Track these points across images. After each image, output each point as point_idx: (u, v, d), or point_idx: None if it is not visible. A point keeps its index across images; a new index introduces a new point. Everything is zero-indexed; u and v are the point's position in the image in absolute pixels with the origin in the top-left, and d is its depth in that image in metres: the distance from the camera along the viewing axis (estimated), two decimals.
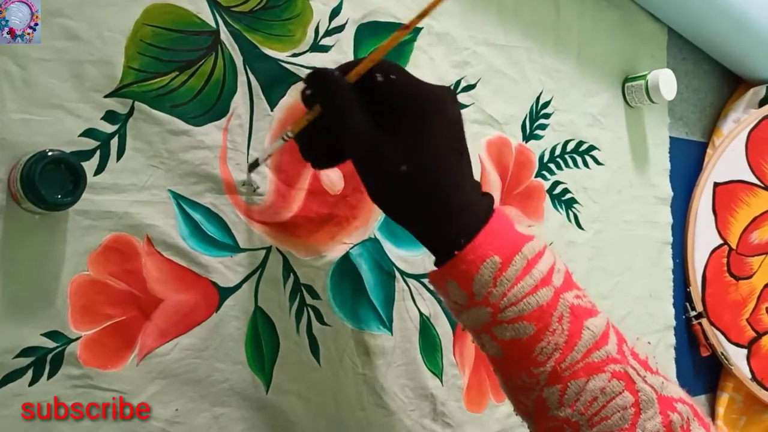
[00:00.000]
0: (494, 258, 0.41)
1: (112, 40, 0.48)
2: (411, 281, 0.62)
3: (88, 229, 0.47)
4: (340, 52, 0.58)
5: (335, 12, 0.58)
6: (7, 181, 0.44)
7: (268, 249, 0.55)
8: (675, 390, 0.43)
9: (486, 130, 0.67)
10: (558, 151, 0.73)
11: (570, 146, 0.74)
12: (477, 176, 0.61)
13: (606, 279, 0.77)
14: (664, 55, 0.86)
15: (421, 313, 0.62)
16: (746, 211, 0.91)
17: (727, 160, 0.89)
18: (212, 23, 0.52)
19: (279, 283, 0.55)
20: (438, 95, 0.44)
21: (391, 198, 0.44)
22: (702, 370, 0.90)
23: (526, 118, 0.71)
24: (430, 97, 0.43)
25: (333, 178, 0.58)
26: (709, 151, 0.91)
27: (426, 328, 0.62)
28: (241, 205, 0.53)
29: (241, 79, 0.54)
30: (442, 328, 0.64)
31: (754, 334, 0.91)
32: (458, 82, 0.66)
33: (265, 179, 0.55)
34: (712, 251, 0.88)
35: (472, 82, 0.67)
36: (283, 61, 0.56)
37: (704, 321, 0.87)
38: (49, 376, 0.45)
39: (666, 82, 0.79)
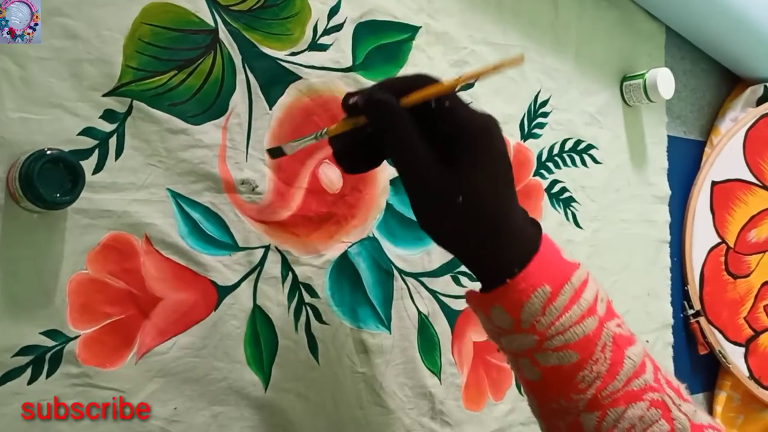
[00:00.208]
0: (545, 287, 0.42)
1: (110, 39, 0.48)
2: (409, 280, 0.62)
3: (87, 228, 0.47)
4: (339, 51, 0.58)
5: (334, 11, 0.58)
6: (5, 179, 0.44)
7: (267, 248, 0.55)
8: (704, 417, 0.44)
9: None
10: (556, 150, 0.73)
11: (568, 145, 0.74)
12: None
13: (604, 277, 0.77)
14: (662, 54, 0.86)
15: (419, 312, 0.62)
16: (744, 210, 0.91)
17: (725, 159, 0.89)
18: (211, 22, 0.52)
19: (278, 282, 0.55)
20: (487, 124, 0.44)
21: (444, 228, 0.44)
22: (700, 369, 0.90)
23: (524, 117, 0.71)
24: (481, 127, 0.43)
25: (332, 177, 0.58)
26: (707, 149, 0.91)
27: (424, 326, 0.63)
28: (239, 204, 0.53)
29: (240, 77, 0.54)
30: (441, 326, 0.64)
31: (751, 333, 0.91)
32: None
33: (264, 178, 0.55)
34: (710, 250, 0.88)
35: (471, 81, 0.67)
36: (281, 60, 0.56)
37: (702, 319, 0.87)
38: (48, 375, 0.45)
39: (664, 81, 0.79)
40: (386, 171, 0.61)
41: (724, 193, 0.89)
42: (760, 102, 0.92)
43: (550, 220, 0.72)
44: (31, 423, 0.44)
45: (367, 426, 0.58)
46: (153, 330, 0.49)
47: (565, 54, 0.75)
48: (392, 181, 0.61)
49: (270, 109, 0.55)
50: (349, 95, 0.45)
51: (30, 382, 0.45)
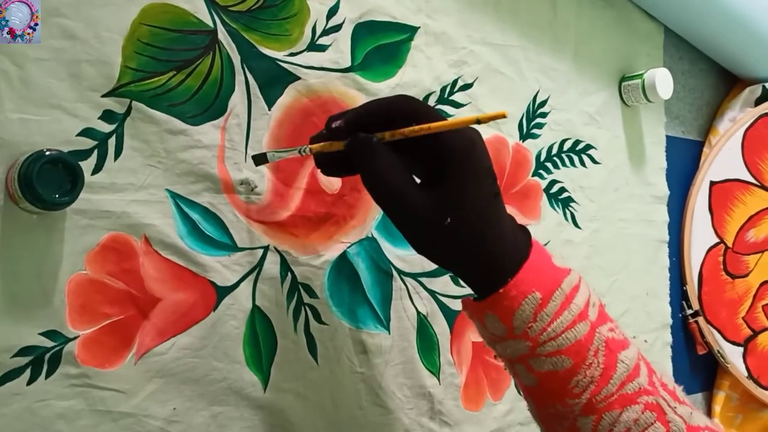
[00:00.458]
0: (535, 294, 0.42)
1: (109, 39, 0.48)
2: (408, 280, 0.62)
3: (86, 229, 0.47)
4: (337, 51, 0.58)
5: (332, 11, 0.58)
6: (4, 180, 0.44)
7: (266, 248, 0.55)
8: (701, 419, 0.44)
9: (483, 129, 0.66)
10: (555, 150, 0.73)
11: (567, 145, 0.75)
12: None
13: (603, 277, 0.77)
14: (660, 54, 0.86)
15: (418, 312, 0.62)
16: (742, 210, 0.91)
17: (724, 159, 0.89)
18: (209, 23, 0.52)
19: (277, 282, 0.55)
20: (470, 140, 0.44)
21: (434, 249, 0.45)
22: (698, 368, 0.91)
23: (523, 117, 0.71)
24: (462, 142, 0.43)
25: (331, 177, 0.58)
26: (705, 149, 0.92)
27: (423, 326, 0.63)
28: (238, 205, 0.54)
29: (239, 78, 0.54)
30: (440, 326, 0.64)
31: (750, 332, 0.91)
32: (455, 81, 0.66)
33: (263, 178, 0.55)
34: (709, 250, 0.88)
35: (469, 82, 0.67)
36: (280, 61, 0.56)
37: (701, 319, 0.87)
38: (47, 376, 0.45)
39: (662, 81, 0.79)
40: None
41: (722, 193, 0.89)
42: (758, 102, 0.92)
43: (548, 220, 0.72)
44: (30, 422, 0.44)
45: (366, 426, 0.58)
46: (152, 330, 0.49)
47: (564, 54, 0.75)
48: None
49: (269, 109, 0.55)
50: (332, 119, 0.46)
51: (29, 383, 0.45)
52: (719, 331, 0.88)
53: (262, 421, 0.54)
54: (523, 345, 0.43)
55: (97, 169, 0.48)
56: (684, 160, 0.89)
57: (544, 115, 0.73)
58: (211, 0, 0.52)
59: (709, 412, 0.92)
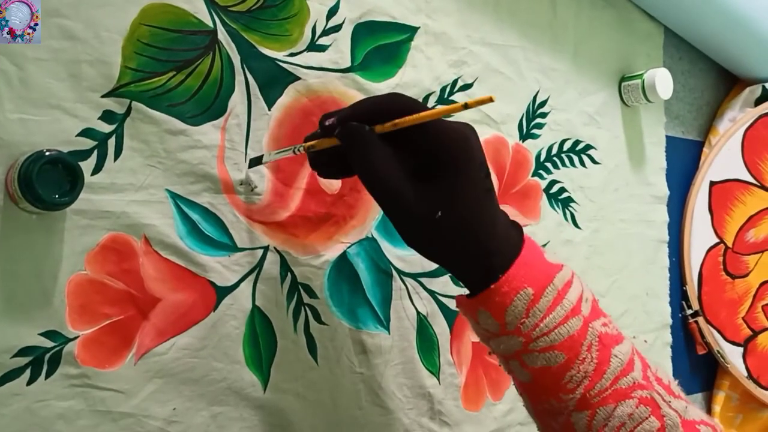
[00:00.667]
0: (527, 290, 0.42)
1: (109, 39, 0.48)
2: (408, 280, 0.62)
3: (86, 229, 0.47)
4: (337, 52, 0.58)
5: (332, 11, 0.58)
6: (4, 180, 0.44)
7: (266, 248, 0.55)
8: (697, 413, 0.44)
9: (483, 129, 0.67)
10: (555, 150, 0.73)
11: (566, 145, 0.75)
12: None
13: (603, 277, 0.77)
14: (660, 54, 0.86)
15: (418, 312, 0.62)
16: (742, 210, 0.91)
17: (724, 159, 0.89)
18: (209, 23, 0.52)
19: (276, 283, 0.55)
20: (463, 135, 0.44)
21: (427, 243, 0.45)
22: (698, 369, 0.91)
23: (522, 117, 0.71)
24: (456, 137, 0.44)
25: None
26: (705, 149, 0.92)
27: (423, 327, 0.63)
28: (238, 205, 0.54)
29: (239, 78, 0.54)
30: (440, 327, 0.64)
31: (750, 332, 0.91)
32: (455, 82, 0.66)
33: (263, 178, 0.55)
34: (709, 250, 0.88)
35: (469, 82, 0.67)
36: (280, 61, 0.56)
37: (700, 319, 0.87)
38: (47, 376, 0.45)
39: (662, 81, 0.79)
40: None
41: (722, 193, 0.89)
42: (758, 102, 0.92)
43: (548, 220, 0.72)
44: (30, 422, 0.44)
45: (366, 426, 0.59)
46: (152, 331, 0.49)
47: (564, 54, 0.75)
48: None
49: (269, 109, 0.55)
50: (325, 116, 0.46)
51: (29, 383, 0.45)
52: (719, 331, 0.88)
53: (262, 422, 0.54)
54: (516, 341, 0.43)
55: (97, 169, 0.48)
56: (684, 160, 0.89)
57: (543, 115, 0.73)
58: (211, 0, 0.52)
59: (709, 412, 0.92)
